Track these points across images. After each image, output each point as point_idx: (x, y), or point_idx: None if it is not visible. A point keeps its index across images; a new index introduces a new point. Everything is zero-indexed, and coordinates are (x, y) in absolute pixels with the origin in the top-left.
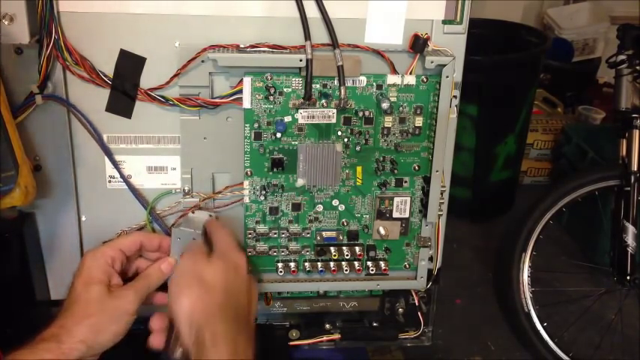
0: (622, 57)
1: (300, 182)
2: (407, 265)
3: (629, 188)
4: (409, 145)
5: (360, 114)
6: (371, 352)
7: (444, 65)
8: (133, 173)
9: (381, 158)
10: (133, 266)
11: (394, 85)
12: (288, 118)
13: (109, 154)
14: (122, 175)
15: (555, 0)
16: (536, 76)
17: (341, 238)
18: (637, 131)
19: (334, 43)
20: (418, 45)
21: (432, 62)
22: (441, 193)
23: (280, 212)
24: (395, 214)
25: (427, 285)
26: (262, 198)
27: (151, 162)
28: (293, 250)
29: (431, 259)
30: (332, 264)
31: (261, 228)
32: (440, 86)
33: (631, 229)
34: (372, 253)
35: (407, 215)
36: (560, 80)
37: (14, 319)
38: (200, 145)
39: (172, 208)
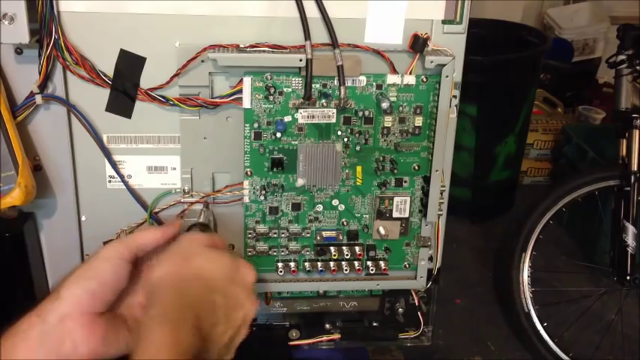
0: (622, 57)
1: (300, 182)
2: (407, 265)
3: (629, 188)
4: (409, 145)
5: (360, 114)
6: (371, 352)
7: (444, 65)
8: (133, 173)
9: (381, 158)
10: None
11: (394, 84)
12: (288, 118)
13: (108, 154)
14: (121, 176)
15: (555, 0)
16: (536, 76)
17: (341, 238)
18: (637, 131)
19: (334, 43)
20: (418, 45)
21: (431, 62)
22: (441, 193)
23: (280, 212)
24: (395, 214)
25: (427, 285)
26: (262, 198)
27: (151, 162)
28: (293, 250)
29: (431, 258)
30: (332, 264)
31: (261, 228)
32: (440, 86)
33: (631, 229)
34: (372, 253)
35: (407, 215)
36: (560, 80)
37: (14, 319)
38: (200, 145)
39: (172, 207)
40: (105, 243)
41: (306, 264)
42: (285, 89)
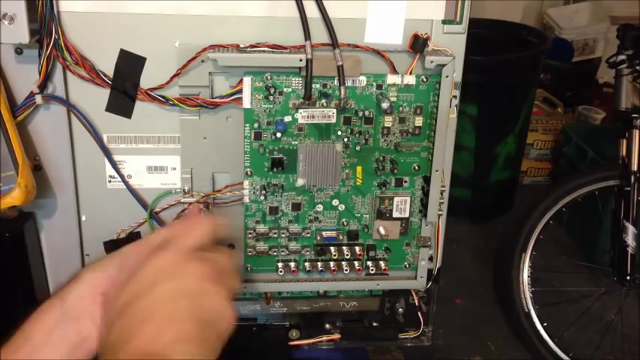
0: (622, 57)
1: (300, 182)
2: (407, 265)
3: (629, 188)
4: (409, 145)
5: (360, 114)
6: (371, 352)
7: (444, 65)
8: (133, 173)
9: (381, 158)
10: None
11: (394, 84)
12: (288, 118)
13: (108, 154)
14: (121, 176)
15: (555, 0)
16: (536, 76)
17: (341, 237)
18: (637, 131)
19: (334, 43)
20: (418, 45)
21: (431, 62)
22: (441, 193)
23: (280, 212)
24: (395, 214)
25: (427, 285)
26: (262, 198)
27: (151, 162)
28: (293, 250)
29: (431, 259)
30: (332, 264)
31: (261, 228)
32: (440, 86)
33: (631, 229)
34: (372, 253)
35: (407, 215)
36: (560, 80)
37: (14, 319)
38: (200, 145)
39: (172, 207)
40: (105, 243)
41: (306, 264)
42: (285, 89)
